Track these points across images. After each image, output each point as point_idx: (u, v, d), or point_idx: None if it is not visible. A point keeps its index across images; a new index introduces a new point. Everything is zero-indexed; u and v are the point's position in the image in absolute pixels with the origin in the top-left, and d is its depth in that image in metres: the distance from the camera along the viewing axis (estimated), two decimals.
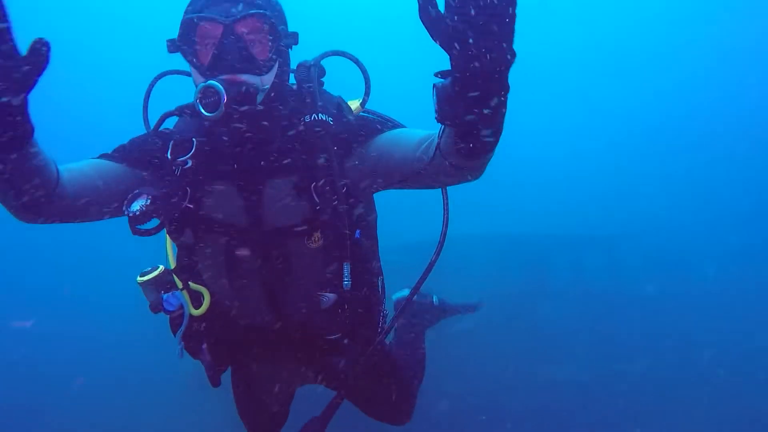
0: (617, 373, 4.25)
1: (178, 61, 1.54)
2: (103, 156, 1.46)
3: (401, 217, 5.13)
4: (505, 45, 0.86)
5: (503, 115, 1.00)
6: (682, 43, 11.80)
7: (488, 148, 1.09)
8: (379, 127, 1.46)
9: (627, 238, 6.97)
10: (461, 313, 3.06)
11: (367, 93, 1.59)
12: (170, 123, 1.57)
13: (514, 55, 0.88)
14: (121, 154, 1.47)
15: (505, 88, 0.94)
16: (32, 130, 1.03)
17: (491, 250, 5.99)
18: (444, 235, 1.74)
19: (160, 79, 1.66)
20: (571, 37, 12.23)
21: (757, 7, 11.01)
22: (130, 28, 11.19)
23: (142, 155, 1.47)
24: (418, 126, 1.48)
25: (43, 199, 1.18)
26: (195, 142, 1.44)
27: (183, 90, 1.59)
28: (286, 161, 1.43)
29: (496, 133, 1.05)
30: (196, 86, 1.30)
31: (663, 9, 11.53)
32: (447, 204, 1.77)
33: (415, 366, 2.37)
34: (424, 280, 1.78)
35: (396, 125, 1.51)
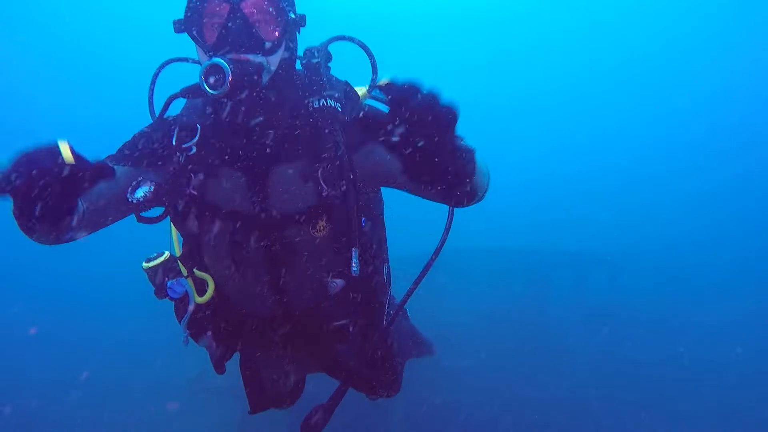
0: (619, 390, 4.22)
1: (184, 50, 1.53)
2: (106, 160, 1.45)
3: (410, 226, 5.15)
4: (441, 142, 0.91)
5: (460, 162, 1.02)
6: (693, 63, 11.80)
7: (460, 192, 1.12)
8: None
9: (631, 256, 6.94)
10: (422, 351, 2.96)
11: (374, 80, 1.56)
12: (177, 108, 1.56)
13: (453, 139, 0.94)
14: (123, 155, 1.46)
15: (454, 151, 0.97)
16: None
17: (495, 264, 5.99)
18: (443, 242, 1.71)
19: (165, 66, 1.65)
20: (580, 56, 12.26)
21: None
22: (133, 27, 11.23)
23: (144, 151, 1.46)
24: None
25: (65, 229, 1.20)
26: (199, 128, 1.42)
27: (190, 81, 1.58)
28: (292, 147, 1.40)
29: (461, 180, 1.06)
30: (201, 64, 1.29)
31: (679, 27, 11.54)
32: (452, 214, 1.75)
33: (407, 345, 2.33)
34: (421, 279, 1.75)
35: None
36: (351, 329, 1.60)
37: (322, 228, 1.43)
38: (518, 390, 4.12)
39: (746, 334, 4.91)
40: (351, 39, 1.51)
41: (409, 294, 1.78)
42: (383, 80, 0.93)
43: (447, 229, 1.68)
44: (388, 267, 1.74)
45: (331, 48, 1.56)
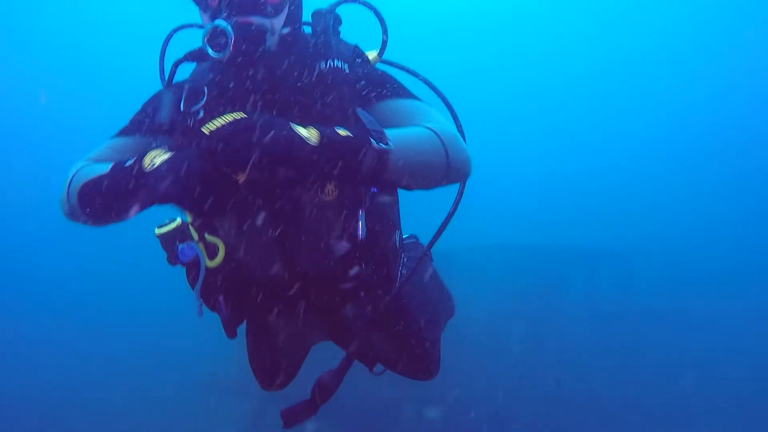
0: (629, 386, 4.19)
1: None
2: (120, 133, 1.47)
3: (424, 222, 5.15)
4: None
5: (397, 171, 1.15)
6: (702, 57, 11.70)
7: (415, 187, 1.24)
8: (395, 90, 1.43)
9: (642, 253, 6.89)
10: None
11: (384, 42, 1.54)
12: (187, 73, 1.56)
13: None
14: (135, 126, 1.47)
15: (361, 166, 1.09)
16: None
17: (505, 260, 5.97)
18: (451, 214, 1.71)
19: (176, 32, 1.63)
20: (590, 52, 12.20)
21: None
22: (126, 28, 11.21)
23: (154, 118, 1.46)
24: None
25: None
26: (206, 91, 1.41)
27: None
28: (299, 109, 1.38)
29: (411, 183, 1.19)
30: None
31: (689, 23, 11.44)
32: (462, 191, 1.74)
33: (438, 309, 2.24)
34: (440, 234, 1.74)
35: (411, 96, 1.46)
36: (361, 294, 1.58)
37: (330, 192, 1.41)
38: (526, 387, 4.11)
39: (760, 329, 4.86)
40: (359, 1, 1.49)
41: (423, 253, 1.78)
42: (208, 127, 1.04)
43: (457, 200, 1.69)
44: (401, 233, 1.72)
45: (341, 12, 1.53)
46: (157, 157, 1.10)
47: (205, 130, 1.03)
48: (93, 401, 4.22)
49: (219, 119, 1.03)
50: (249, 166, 1.01)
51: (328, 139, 1.07)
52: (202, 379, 4.17)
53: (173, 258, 1.49)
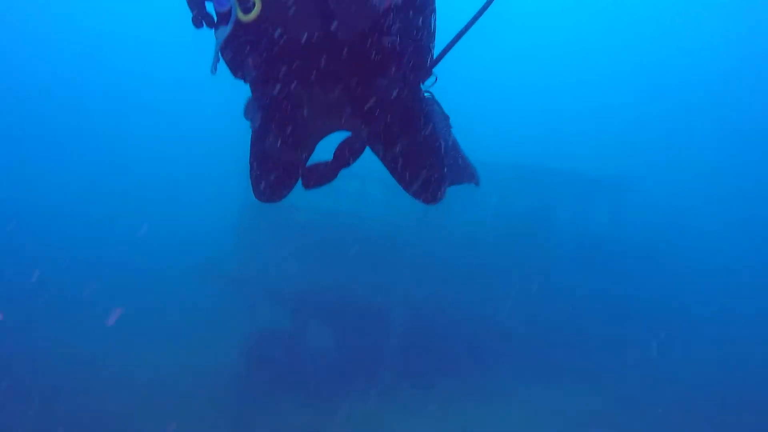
0: (611, 319, 4.33)
1: None
2: None
3: None
4: None
5: None
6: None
7: None
8: None
9: (635, 187, 6.89)
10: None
11: None
12: None
13: None
14: None
15: None
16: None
17: (495, 180, 5.97)
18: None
19: None
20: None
21: None
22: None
23: None
24: None
25: None
26: None
27: None
28: None
29: None
30: None
31: None
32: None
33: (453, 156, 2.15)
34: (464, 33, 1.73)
35: None
36: (393, 69, 1.57)
37: None
38: (504, 315, 4.25)
39: (748, 271, 4.97)
40: None
41: (456, 38, 1.73)
42: None
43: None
44: (435, 18, 1.71)
45: None
46: None
47: None
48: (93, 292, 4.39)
49: None
50: None
51: None
52: (199, 268, 4.33)
53: (200, 16, 1.44)
